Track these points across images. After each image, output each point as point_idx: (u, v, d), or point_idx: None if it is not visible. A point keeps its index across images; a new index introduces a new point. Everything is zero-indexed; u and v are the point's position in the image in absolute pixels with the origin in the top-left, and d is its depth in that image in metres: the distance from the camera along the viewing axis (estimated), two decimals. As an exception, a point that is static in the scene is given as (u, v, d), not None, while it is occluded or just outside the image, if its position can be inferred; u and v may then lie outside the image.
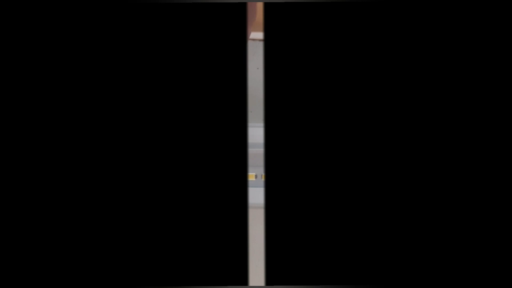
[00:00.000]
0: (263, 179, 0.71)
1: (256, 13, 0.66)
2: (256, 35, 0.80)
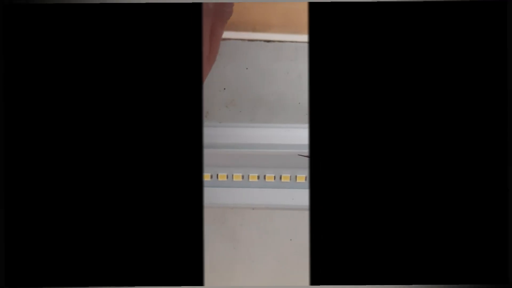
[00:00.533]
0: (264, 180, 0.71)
1: (231, 13, 0.66)
2: (244, 35, 0.81)
